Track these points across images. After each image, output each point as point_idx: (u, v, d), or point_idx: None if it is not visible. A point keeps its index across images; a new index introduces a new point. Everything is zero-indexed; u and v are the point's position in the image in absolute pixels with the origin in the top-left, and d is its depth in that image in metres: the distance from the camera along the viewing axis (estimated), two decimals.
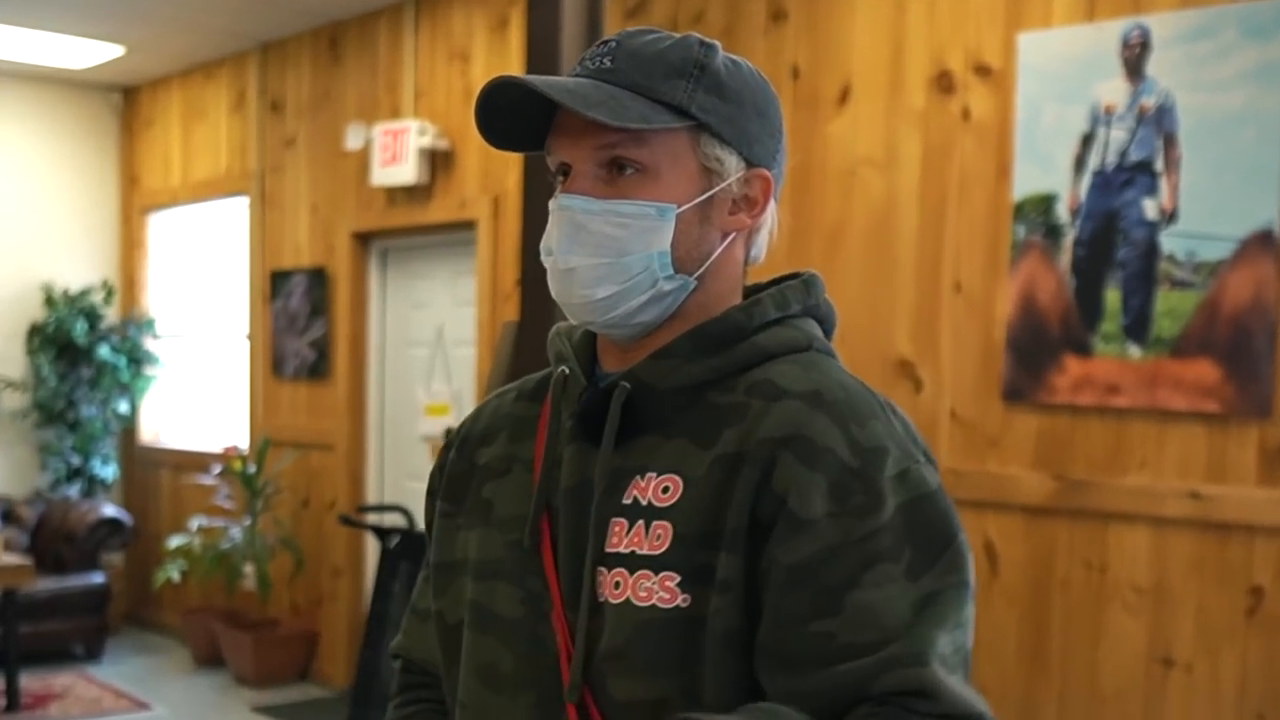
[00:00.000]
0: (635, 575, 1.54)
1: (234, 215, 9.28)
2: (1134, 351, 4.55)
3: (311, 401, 8.42)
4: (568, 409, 1.68)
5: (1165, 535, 4.54)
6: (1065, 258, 4.71)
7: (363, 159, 7.76)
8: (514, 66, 6.79)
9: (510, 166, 6.77)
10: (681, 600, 1.52)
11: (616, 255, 1.59)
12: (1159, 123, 4.50)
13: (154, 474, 9.97)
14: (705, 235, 1.63)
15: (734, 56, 1.67)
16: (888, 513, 1.49)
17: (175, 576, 8.48)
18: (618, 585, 1.55)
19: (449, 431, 1.92)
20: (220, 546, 8.29)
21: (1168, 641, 4.54)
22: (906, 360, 5.18)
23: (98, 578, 8.82)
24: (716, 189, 1.62)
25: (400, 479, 8.02)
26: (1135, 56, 4.55)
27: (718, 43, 1.67)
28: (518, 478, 1.72)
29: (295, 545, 8.20)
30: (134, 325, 9.82)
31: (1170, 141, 4.47)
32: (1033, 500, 4.83)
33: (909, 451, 1.55)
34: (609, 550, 1.57)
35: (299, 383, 8.52)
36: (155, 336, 9.90)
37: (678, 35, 1.65)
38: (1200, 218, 4.41)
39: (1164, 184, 4.48)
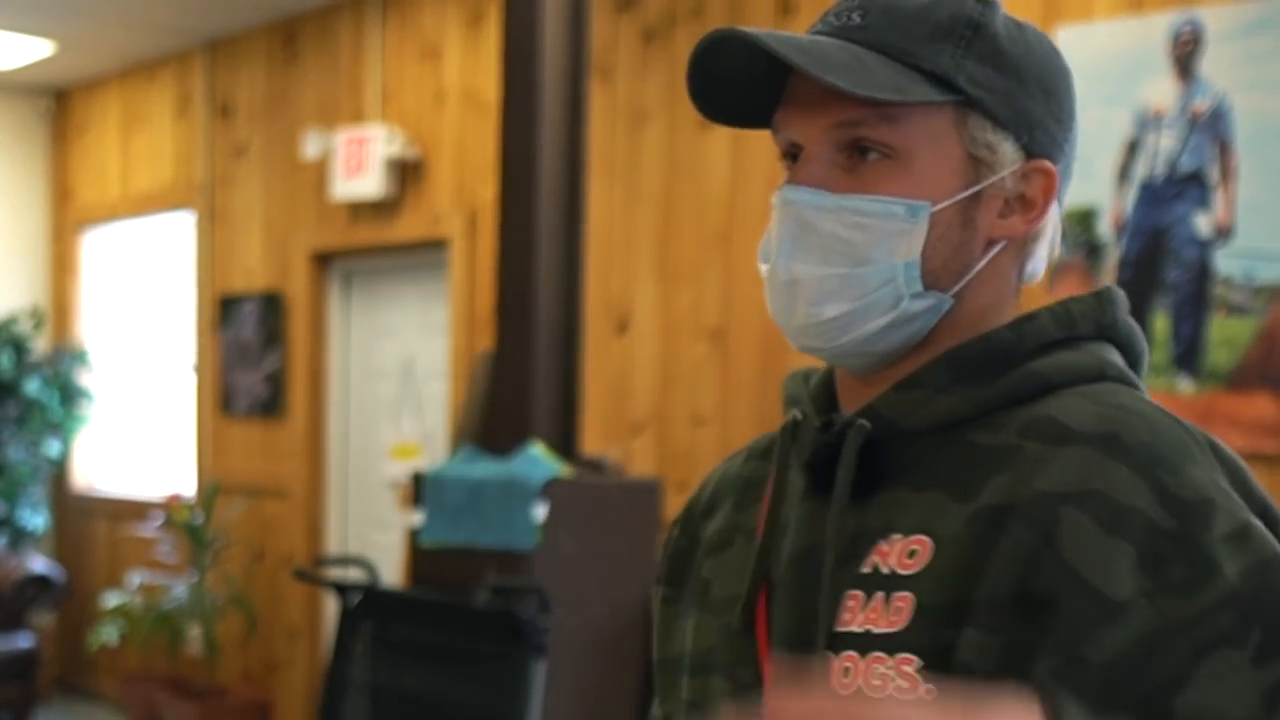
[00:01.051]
0: (868, 659, 1.36)
1: (178, 232, 9.29)
2: (1185, 385, 4.55)
3: (265, 442, 8.42)
4: (798, 460, 1.50)
5: None
6: (1108, 280, 4.71)
7: (322, 170, 7.77)
8: (490, 65, 6.80)
9: (487, 178, 6.78)
10: (924, 693, 1.32)
11: (852, 265, 1.41)
12: (1213, 128, 4.51)
13: (88, 524, 9.96)
14: (966, 242, 1.44)
15: (1019, 19, 1.48)
16: (1224, 584, 1.26)
17: (112, 639, 8.46)
18: (846, 672, 1.37)
19: (688, 501, 1.74)
20: (163, 606, 8.28)
21: None
22: None
23: (25, 640, 8.79)
24: (985, 183, 1.43)
25: (364, 529, 8.01)
26: (1186, 54, 4.57)
27: (998, 1, 1.48)
28: (739, 551, 1.55)
29: (247, 604, 8.19)
30: (66, 357, 9.81)
31: (1225, 149, 4.48)
32: None
33: (1240, 505, 1.32)
34: (839, 630, 1.38)
35: (251, 421, 8.52)
36: (90, 369, 9.89)
37: None
38: (1259, 235, 4.42)
39: (1218, 197, 4.49)
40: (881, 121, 1.39)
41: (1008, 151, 1.42)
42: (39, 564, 9.05)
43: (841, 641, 1.38)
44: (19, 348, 9.62)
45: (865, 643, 1.36)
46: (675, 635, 1.61)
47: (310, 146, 7.70)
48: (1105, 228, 4.71)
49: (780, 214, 1.44)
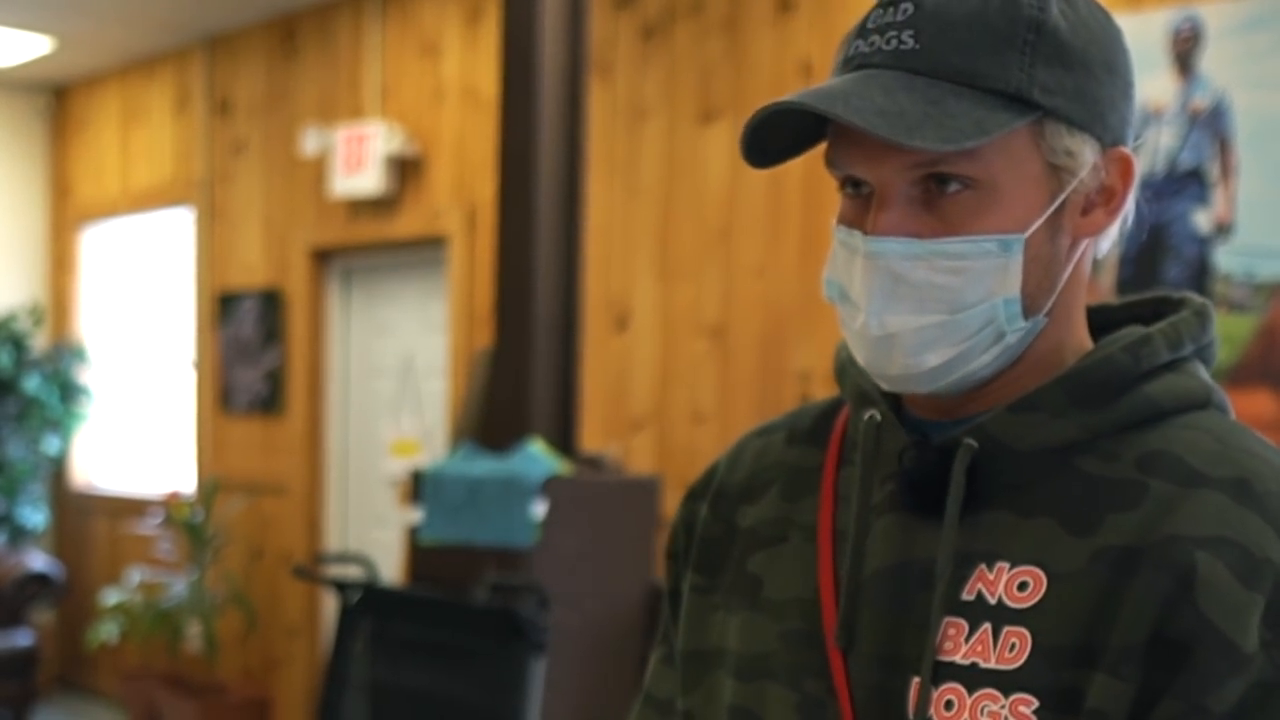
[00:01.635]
0: (975, 695, 1.31)
1: (177, 229, 9.29)
2: None
3: (264, 440, 8.42)
4: (883, 467, 1.43)
5: None
6: (1108, 277, 4.71)
7: (321, 166, 7.77)
8: (489, 61, 6.80)
9: (486, 175, 6.77)
10: None
11: (950, 311, 1.33)
12: (1213, 125, 4.51)
13: (88, 522, 9.96)
14: (1056, 254, 1.37)
15: None
16: None
17: (112, 636, 8.46)
18: (949, 706, 1.32)
19: (710, 473, 1.65)
20: (162, 603, 8.28)
21: None
22: None
23: (24, 638, 8.80)
24: (1068, 190, 1.35)
25: (363, 526, 8.01)
26: (1186, 51, 4.56)
27: None
28: (797, 549, 1.49)
29: (246, 601, 8.19)
30: (65, 354, 9.81)
31: (1225, 146, 4.48)
32: None
33: None
34: (940, 659, 1.33)
35: (250, 418, 8.52)
36: (89, 367, 9.90)
37: None
38: (1259, 231, 4.42)
39: (1218, 194, 4.49)
40: (960, 156, 1.31)
41: (1086, 150, 1.35)
42: (39, 561, 9.04)
43: (946, 672, 1.33)
44: (18, 345, 9.62)
45: (973, 677, 1.31)
46: (710, 628, 1.54)
47: (309, 143, 7.69)
48: None
49: (866, 266, 1.35)
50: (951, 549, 1.35)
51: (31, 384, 9.51)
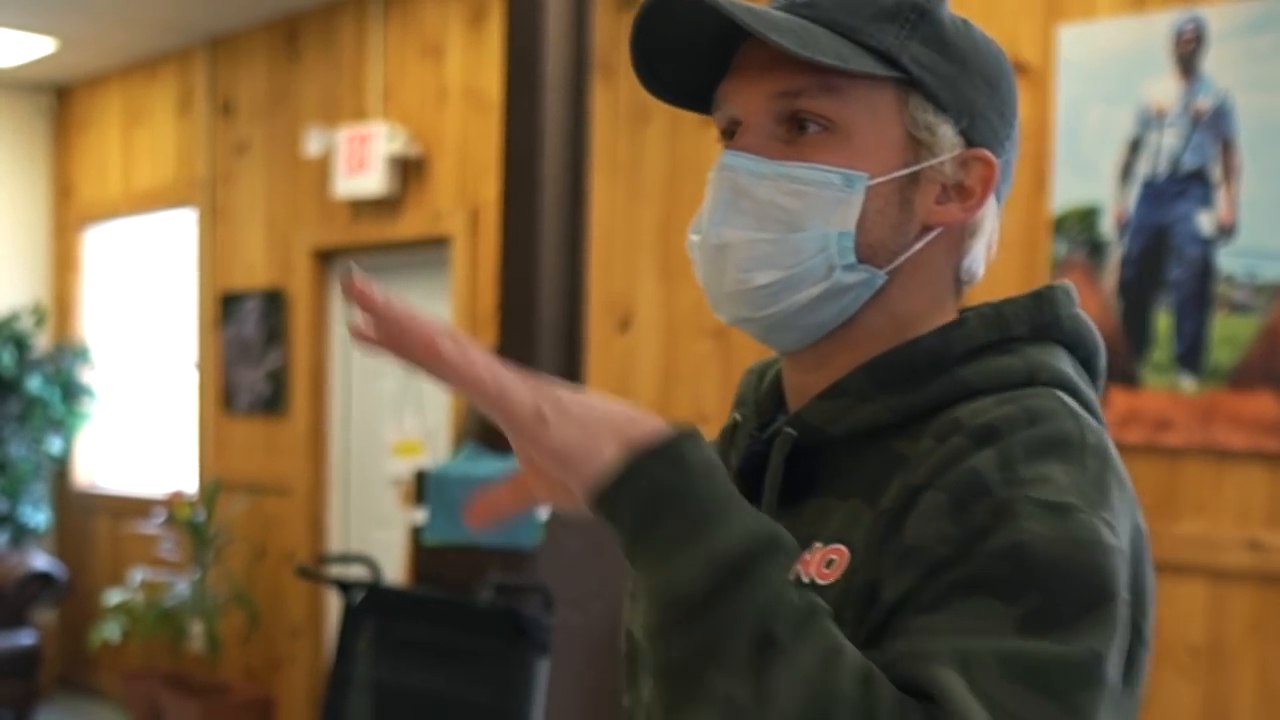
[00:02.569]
0: None
1: (180, 230, 9.30)
2: (1187, 383, 4.56)
3: (267, 440, 8.42)
4: (735, 465, 1.52)
5: (1223, 589, 4.55)
6: (1110, 278, 4.72)
7: (324, 167, 7.78)
8: (492, 62, 6.80)
9: (489, 176, 6.78)
10: None
11: (785, 230, 1.40)
12: (1215, 126, 4.51)
13: (90, 521, 9.97)
14: (903, 223, 1.43)
15: (966, 18, 1.49)
16: (1017, 535, 1.24)
17: (114, 636, 8.47)
18: None
19: None
20: (164, 603, 8.28)
21: (1225, 707, 4.54)
22: None
23: (27, 637, 8.80)
24: (924, 164, 1.42)
25: (366, 526, 8.02)
26: (1189, 52, 4.57)
27: None
28: None
29: (249, 601, 8.20)
30: (68, 354, 9.82)
31: (1228, 147, 4.49)
32: None
33: (1089, 501, 1.28)
34: None
35: (253, 419, 8.52)
36: (91, 367, 9.91)
37: None
38: (1262, 233, 4.42)
39: (1221, 195, 4.50)
40: (823, 93, 1.39)
41: (948, 135, 1.43)
42: (41, 561, 9.04)
43: None
44: (20, 345, 9.63)
45: None
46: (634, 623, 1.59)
47: (312, 144, 7.70)
48: (1108, 226, 4.71)
49: (716, 180, 1.44)
50: None
51: (34, 384, 9.52)
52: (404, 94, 7.46)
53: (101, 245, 10.05)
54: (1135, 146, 4.66)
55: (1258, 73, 4.44)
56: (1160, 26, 4.61)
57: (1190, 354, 4.55)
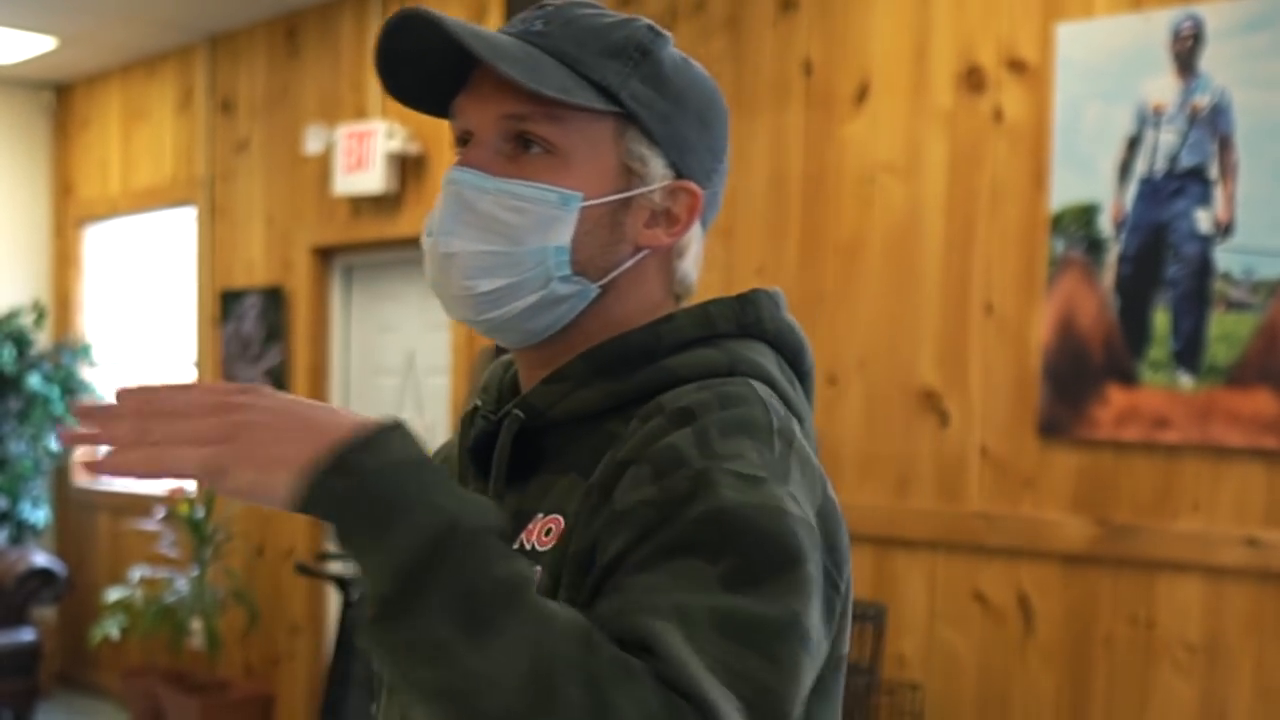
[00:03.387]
0: None
1: (180, 228, 9.30)
2: (1185, 381, 4.56)
3: None
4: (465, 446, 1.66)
5: (1220, 586, 4.55)
6: (1108, 276, 4.72)
7: (324, 165, 7.78)
8: None
9: None
10: None
11: (508, 244, 1.54)
12: (1213, 124, 4.52)
13: (90, 519, 9.97)
14: (614, 242, 1.58)
15: (689, 57, 1.64)
16: (716, 502, 1.34)
17: (114, 633, 8.46)
18: None
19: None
20: (164, 600, 8.28)
21: (1222, 705, 4.54)
22: (931, 391, 5.19)
23: (27, 634, 8.81)
24: (634, 192, 1.57)
25: None
26: (1187, 50, 4.57)
27: (670, 35, 1.63)
28: None
29: (248, 598, 8.20)
30: (68, 351, 9.82)
31: (1226, 145, 4.49)
32: (1072, 547, 4.84)
33: (776, 476, 1.40)
34: None
35: None
36: (92, 364, 9.90)
37: (627, 15, 1.61)
38: (1259, 231, 4.42)
39: (1219, 193, 4.50)
40: (546, 120, 1.52)
41: (658, 167, 1.58)
42: (41, 558, 9.05)
43: None
44: (21, 342, 9.63)
45: None
46: None
47: (312, 142, 7.69)
48: (1106, 224, 4.72)
49: (444, 192, 1.56)
50: (498, 503, 1.55)
51: (34, 381, 9.52)
52: None
53: (101, 243, 10.05)
54: (1133, 144, 4.66)
55: (1255, 70, 4.45)
56: (1158, 25, 4.62)
57: (1188, 352, 4.55)
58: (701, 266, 1.70)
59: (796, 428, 1.51)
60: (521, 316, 1.57)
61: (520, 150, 1.54)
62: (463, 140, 1.59)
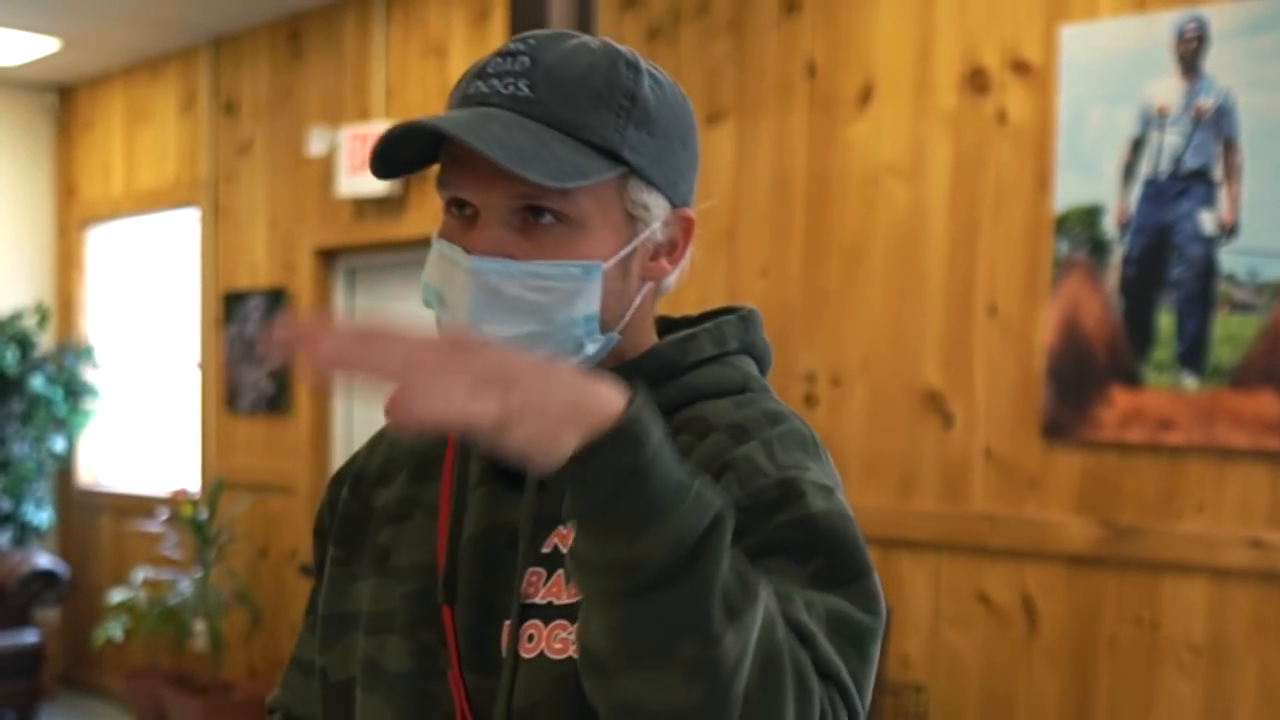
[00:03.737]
0: (550, 626, 1.55)
1: (183, 229, 9.29)
2: (1189, 382, 4.56)
3: (270, 439, 8.42)
4: (476, 449, 1.67)
5: (1225, 588, 4.55)
6: (1112, 277, 4.72)
7: (327, 166, 7.78)
8: None
9: None
10: None
11: (540, 324, 1.56)
12: (1217, 126, 4.52)
13: (93, 520, 9.97)
14: (627, 288, 1.63)
15: (656, 71, 1.65)
16: (806, 508, 1.48)
17: (117, 635, 8.45)
18: (531, 639, 1.56)
19: (352, 460, 1.96)
20: (168, 601, 8.27)
21: (1227, 707, 4.54)
22: (935, 392, 5.19)
23: (30, 636, 8.81)
24: (641, 238, 1.62)
25: None
26: (1191, 52, 4.57)
27: (638, 55, 1.64)
28: (419, 524, 1.72)
29: (252, 600, 8.20)
30: (71, 353, 9.82)
31: (1230, 147, 4.49)
32: (1076, 549, 4.83)
33: (837, 484, 1.56)
34: (525, 602, 1.57)
35: (256, 418, 8.52)
36: (95, 366, 9.90)
37: (597, 46, 1.60)
38: (1264, 232, 4.42)
39: (1223, 194, 4.50)
40: (556, 193, 1.53)
41: (659, 207, 1.62)
42: (44, 560, 9.05)
43: (526, 612, 1.56)
44: (24, 344, 9.63)
45: (548, 612, 1.55)
46: (346, 594, 1.77)
47: (315, 143, 7.70)
48: (1110, 225, 4.72)
49: (464, 281, 1.55)
50: (533, 512, 1.59)
51: (37, 383, 9.52)
52: (407, 93, 7.46)
53: (105, 244, 10.04)
54: (1137, 146, 4.66)
55: (1259, 72, 4.45)
56: (1162, 26, 4.62)
57: (1192, 353, 4.55)
58: (687, 271, 1.74)
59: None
60: None
61: (530, 220, 1.55)
62: (457, 204, 1.59)
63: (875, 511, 5.21)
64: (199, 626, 8.29)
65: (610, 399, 1.26)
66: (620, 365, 1.63)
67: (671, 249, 1.67)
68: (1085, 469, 4.82)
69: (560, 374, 1.27)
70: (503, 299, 1.55)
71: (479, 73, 1.59)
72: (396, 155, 1.60)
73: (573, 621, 1.51)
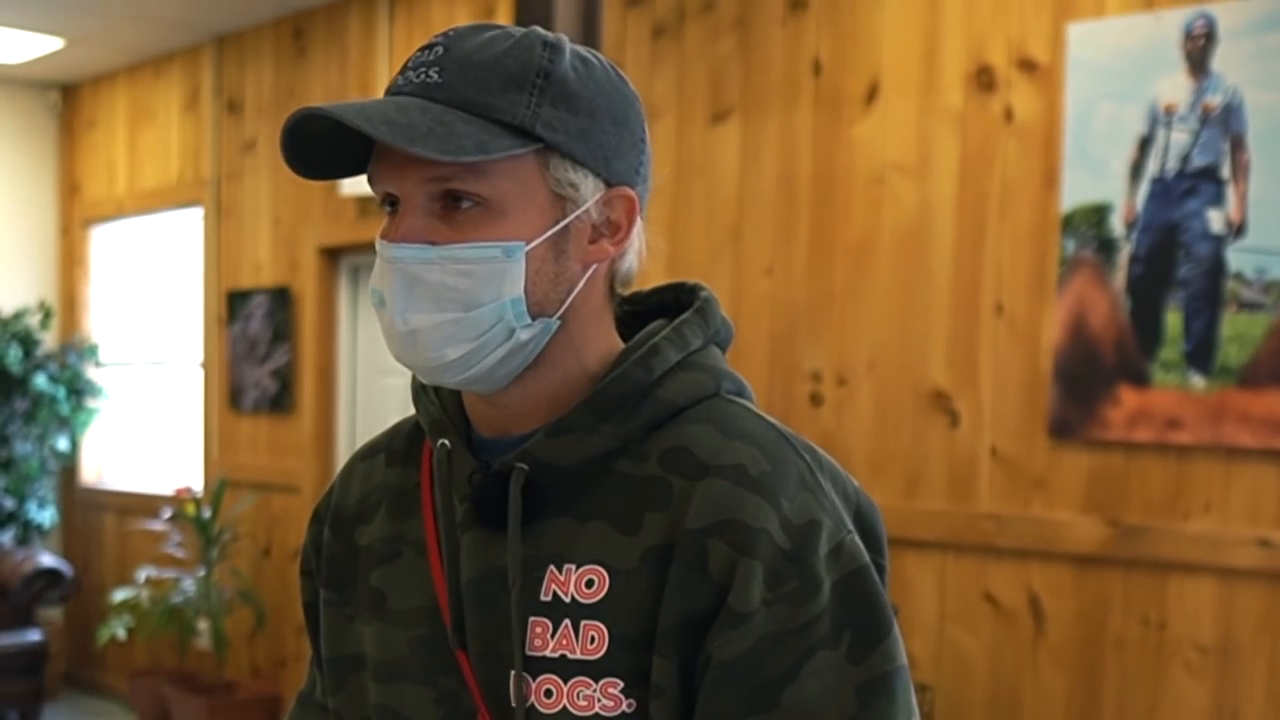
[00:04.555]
0: (570, 683, 1.54)
1: (186, 228, 9.30)
2: (1197, 381, 4.55)
3: (273, 438, 8.41)
4: (458, 491, 1.65)
5: (1232, 587, 4.54)
6: (1120, 276, 4.71)
7: None
8: None
9: None
10: (626, 706, 1.53)
11: (464, 309, 1.54)
12: (1225, 124, 4.50)
13: (97, 519, 9.96)
14: (563, 270, 1.59)
15: (585, 53, 1.62)
16: (825, 597, 1.49)
17: (121, 634, 8.45)
18: (549, 694, 1.55)
19: (328, 496, 1.93)
20: (171, 600, 8.27)
21: (1235, 707, 4.53)
22: (941, 392, 5.18)
23: (34, 635, 8.80)
24: (571, 218, 1.57)
25: None
26: (1199, 49, 4.56)
27: (564, 38, 1.61)
28: (410, 564, 1.70)
29: (255, 599, 8.19)
30: (74, 352, 9.82)
31: (1238, 145, 4.48)
32: (1083, 549, 4.82)
33: (841, 520, 1.55)
34: (533, 654, 1.56)
35: (259, 417, 8.52)
36: (98, 364, 9.90)
37: (518, 33, 1.58)
38: (1272, 231, 4.41)
39: (1231, 193, 4.49)
40: (471, 174, 1.51)
41: (589, 185, 1.58)
42: (47, 559, 9.04)
43: (540, 665, 1.55)
44: (27, 343, 9.63)
45: (565, 667, 1.54)
46: (346, 638, 1.76)
47: None
48: (1117, 224, 4.70)
49: (388, 270, 1.55)
50: (519, 558, 1.57)
51: (40, 382, 9.51)
52: None
53: (108, 243, 10.04)
54: (1145, 144, 4.65)
55: (1268, 70, 4.43)
56: (1170, 24, 4.60)
57: (1200, 352, 4.54)
58: (645, 256, 1.72)
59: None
60: (492, 370, 1.58)
61: (451, 207, 1.54)
62: (388, 200, 1.58)
63: (881, 511, 5.19)
64: (202, 625, 8.29)
65: None
66: (592, 396, 1.59)
67: (614, 230, 1.63)
68: (1092, 468, 4.81)
69: None
70: (425, 286, 1.54)
71: (402, 68, 1.59)
72: (319, 154, 1.60)
73: (594, 678, 1.53)
